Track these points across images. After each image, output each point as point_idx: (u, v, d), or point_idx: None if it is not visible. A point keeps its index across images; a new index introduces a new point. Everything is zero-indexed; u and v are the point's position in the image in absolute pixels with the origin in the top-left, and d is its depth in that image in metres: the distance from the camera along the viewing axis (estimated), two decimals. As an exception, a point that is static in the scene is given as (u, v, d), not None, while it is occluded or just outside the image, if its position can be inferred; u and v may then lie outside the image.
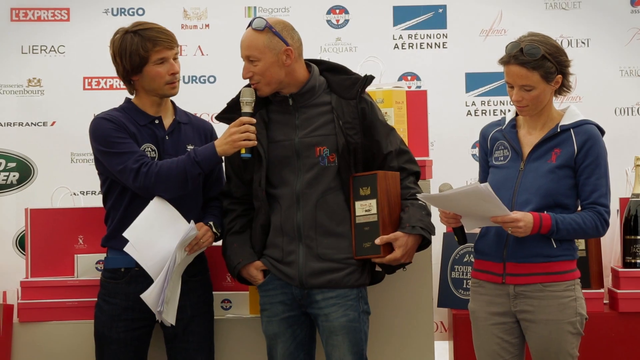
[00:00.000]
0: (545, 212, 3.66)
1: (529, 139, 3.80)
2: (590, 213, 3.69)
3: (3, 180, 5.90)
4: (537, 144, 3.75)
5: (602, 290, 4.56)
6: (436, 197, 3.65)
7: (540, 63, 3.65)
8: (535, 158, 3.75)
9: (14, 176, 5.89)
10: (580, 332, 3.73)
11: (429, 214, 3.86)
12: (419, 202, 3.80)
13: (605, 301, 4.61)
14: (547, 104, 3.76)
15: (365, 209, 3.81)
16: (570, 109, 3.80)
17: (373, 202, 3.79)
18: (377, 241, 3.76)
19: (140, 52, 3.88)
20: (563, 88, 3.77)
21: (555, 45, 3.72)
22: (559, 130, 3.74)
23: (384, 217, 3.78)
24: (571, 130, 3.73)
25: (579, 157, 3.70)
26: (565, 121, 3.75)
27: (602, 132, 3.78)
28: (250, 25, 3.84)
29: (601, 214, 3.69)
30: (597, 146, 3.71)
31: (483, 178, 3.92)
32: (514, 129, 3.83)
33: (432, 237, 3.89)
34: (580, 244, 4.44)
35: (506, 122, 3.87)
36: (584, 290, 3.80)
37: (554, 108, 3.81)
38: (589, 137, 3.71)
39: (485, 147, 3.91)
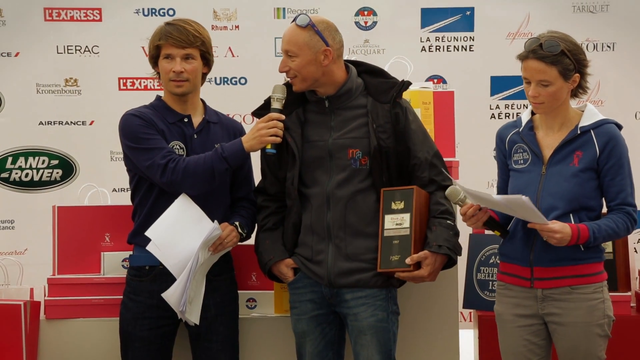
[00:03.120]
0: (571, 216, 3.51)
1: (548, 141, 3.61)
2: (620, 214, 3.53)
3: (47, 176, 5.95)
4: (558, 147, 3.57)
5: (629, 293, 4.34)
6: (476, 193, 3.48)
7: (558, 59, 3.48)
8: (556, 161, 3.57)
9: (58, 173, 5.95)
10: (608, 334, 3.56)
11: (456, 234, 3.69)
12: (447, 221, 3.65)
13: (632, 304, 4.39)
14: (564, 104, 3.58)
15: (397, 222, 3.64)
16: (588, 108, 3.61)
17: (406, 216, 3.63)
18: (408, 260, 3.60)
19: (151, 44, 3.80)
20: (579, 90, 3.59)
21: (574, 43, 3.55)
22: (579, 132, 3.56)
23: (416, 232, 3.63)
24: (591, 131, 3.55)
25: (601, 159, 3.53)
26: (585, 122, 3.57)
27: (620, 127, 3.60)
28: (294, 20, 3.70)
29: (630, 214, 3.54)
30: (619, 146, 3.54)
31: (502, 181, 3.75)
32: (532, 131, 3.65)
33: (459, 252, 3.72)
34: (608, 246, 4.26)
35: (523, 124, 3.69)
36: (610, 293, 3.62)
37: (571, 107, 3.63)
38: (610, 138, 3.53)
39: (504, 149, 3.73)
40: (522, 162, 3.64)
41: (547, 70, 3.49)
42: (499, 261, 3.74)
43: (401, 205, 3.63)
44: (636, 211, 3.55)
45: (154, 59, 3.80)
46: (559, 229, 3.42)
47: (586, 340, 3.51)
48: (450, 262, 3.69)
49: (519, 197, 3.37)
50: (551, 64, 3.48)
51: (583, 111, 3.61)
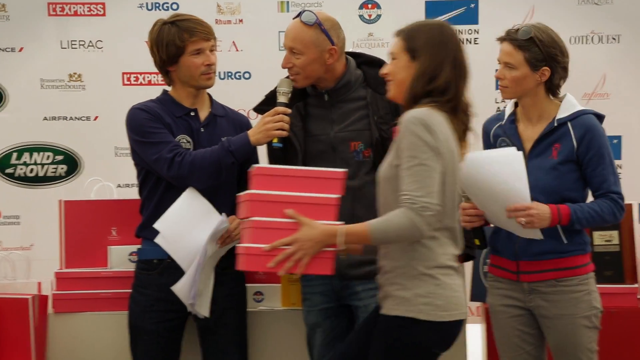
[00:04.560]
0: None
1: (528, 134, 3.64)
2: (605, 200, 3.56)
3: (52, 172, 5.95)
4: (537, 140, 3.60)
5: (635, 285, 4.32)
6: (474, 158, 3.43)
7: (527, 45, 3.53)
8: (536, 154, 3.60)
9: (62, 169, 5.95)
10: (597, 325, 3.58)
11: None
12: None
13: (639, 296, 4.34)
14: (536, 95, 3.60)
15: None
16: (567, 99, 3.63)
17: None
18: None
19: (177, 42, 3.76)
20: (554, 86, 3.61)
21: (551, 38, 3.57)
22: (556, 124, 3.58)
23: None
24: (568, 123, 3.58)
25: (580, 151, 3.55)
26: (562, 114, 3.59)
27: (601, 117, 3.63)
28: (299, 16, 3.71)
29: (616, 201, 3.56)
30: (597, 136, 3.56)
31: None
32: (513, 124, 3.68)
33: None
34: (614, 238, 4.28)
35: (505, 117, 3.72)
36: (617, 285, 3.69)
37: (549, 99, 3.63)
38: (586, 129, 3.55)
39: (489, 143, 3.76)
40: None
41: (513, 54, 3.55)
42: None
43: None
44: (622, 198, 3.58)
45: (175, 58, 3.78)
46: (534, 205, 3.43)
47: (574, 333, 3.54)
48: (468, 257, 3.74)
49: (511, 150, 3.38)
50: (518, 48, 3.54)
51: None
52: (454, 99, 3.12)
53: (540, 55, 3.53)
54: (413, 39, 3.15)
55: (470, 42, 5.88)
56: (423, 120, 3.03)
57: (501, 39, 3.62)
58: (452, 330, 3.11)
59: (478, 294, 4.43)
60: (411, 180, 3.00)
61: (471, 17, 5.88)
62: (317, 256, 3.10)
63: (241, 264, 3.19)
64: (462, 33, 5.87)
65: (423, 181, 2.99)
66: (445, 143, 3.05)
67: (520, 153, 3.40)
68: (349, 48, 3.95)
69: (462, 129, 3.16)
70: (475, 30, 5.89)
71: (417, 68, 3.12)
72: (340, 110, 3.75)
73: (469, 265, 4.19)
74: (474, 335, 4.44)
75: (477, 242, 3.65)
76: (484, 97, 5.84)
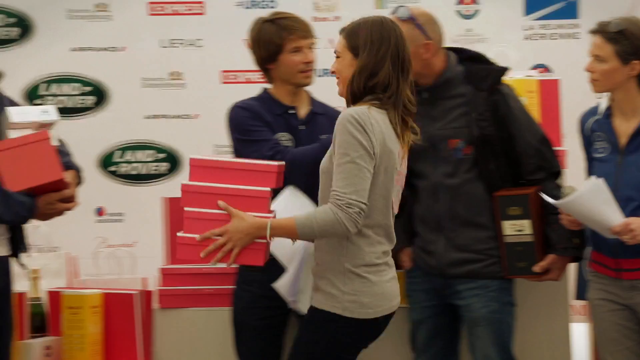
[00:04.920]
0: None
1: (622, 129, 3.59)
2: None
3: (154, 170, 6.07)
4: (632, 136, 3.55)
5: None
6: (564, 204, 3.49)
7: (617, 37, 3.50)
8: (631, 150, 3.55)
9: (164, 166, 6.06)
10: None
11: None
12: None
13: None
14: (627, 89, 3.55)
15: (517, 228, 3.66)
16: None
17: (526, 222, 3.65)
18: (537, 269, 3.66)
19: (276, 40, 3.82)
20: None
21: None
22: None
23: (538, 236, 3.66)
24: None
25: None
26: None
27: None
28: (395, 12, 3.74)
29: None
30: None
31: (588, 169, 3.75)
32: (609, 118, 3.63)
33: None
34: None
35: (601, 111, 3.67)
36: None
37: None
38: None
39: (585, 137, 3.73)
40: (602, 150, 3.63)
41: (603, 47, 3.51)
42: None
43: (519, 211, 3.64)
44: None
45: (274, 56, 3.85)
46: (631, 221, 3.41)
47: None
48: (576, 258, 3.74)
49: (593, 182, 3.38)
50: (608, 41, 3.50)
51: None
52: (394, 95, 3.11)
53: (631, 49, 3.50)
54: (354, 37, 3.16)
55: (571, 38, 5.81)
56: (358, 119, 3.05)
57: (593, 32, 3.59)
58: (378, 326, 3.17)
59: (582, 292, 4.39)
60: (340, 177, 3.03)
61: (571, 11, 5.81)
62: (248, 247, 3.17)
63: (178, 254, 3.24)
64: (562, 28, 5.81)
65: (352, 179, 3.02)
66: (379, 142, 3.06)
67: (602, 180, 3.39)
68: (447, 43, 3.94)
69: (403, 125, 3.16)
70: (575, 25, 5.81)
71: (357, 65, 3.13)
72: (440, 107, 3.75)
73: (572, 266, 4.14)
74: (580, 335, 4.40)
75: (576, 241, 3.64)
76: (585, 93, 5.77)
